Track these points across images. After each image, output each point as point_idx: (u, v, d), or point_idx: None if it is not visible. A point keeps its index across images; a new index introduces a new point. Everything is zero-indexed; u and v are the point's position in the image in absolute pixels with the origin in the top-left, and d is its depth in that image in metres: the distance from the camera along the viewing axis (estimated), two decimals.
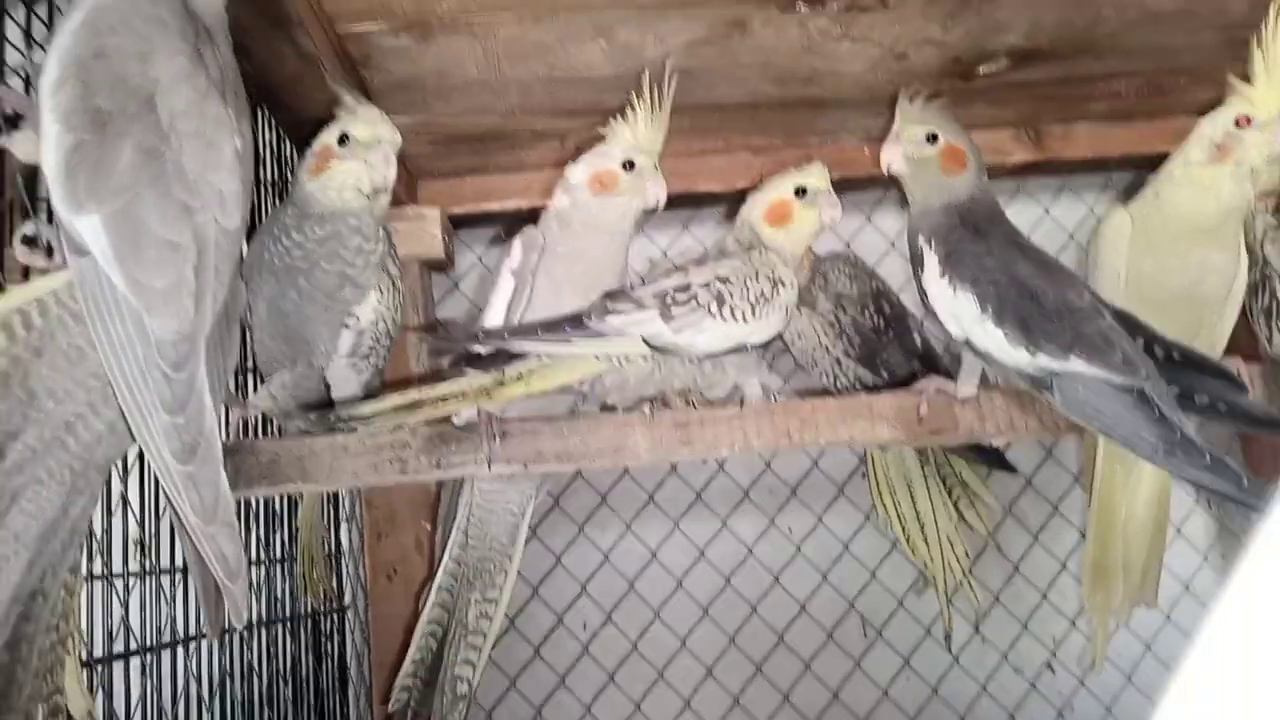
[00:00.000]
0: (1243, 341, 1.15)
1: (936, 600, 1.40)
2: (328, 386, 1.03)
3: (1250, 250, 1.12)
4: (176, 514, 0.68)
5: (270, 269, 0.98)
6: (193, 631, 1.03)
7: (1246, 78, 1.04)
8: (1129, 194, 1.20)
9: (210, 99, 0.71)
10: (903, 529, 1.38)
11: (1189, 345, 1.00)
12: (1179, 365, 0.98)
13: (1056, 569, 1.47)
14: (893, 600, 1.46)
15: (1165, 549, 1.24)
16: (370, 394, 1.04)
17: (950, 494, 1.37)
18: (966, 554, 1.38)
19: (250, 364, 1.13)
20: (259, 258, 0.98)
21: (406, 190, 1.31)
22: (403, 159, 1.27)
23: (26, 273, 0.79)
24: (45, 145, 0.67)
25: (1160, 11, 1.07)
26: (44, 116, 0.67)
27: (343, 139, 0.98)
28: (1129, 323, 1.00)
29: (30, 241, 0.80)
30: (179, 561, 1.03)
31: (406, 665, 1.19)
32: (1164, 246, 1.10)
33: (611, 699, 1.40)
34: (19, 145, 0.73)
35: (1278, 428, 0.98)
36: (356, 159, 0.98)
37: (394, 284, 1.02)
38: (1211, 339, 1.12)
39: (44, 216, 0.83)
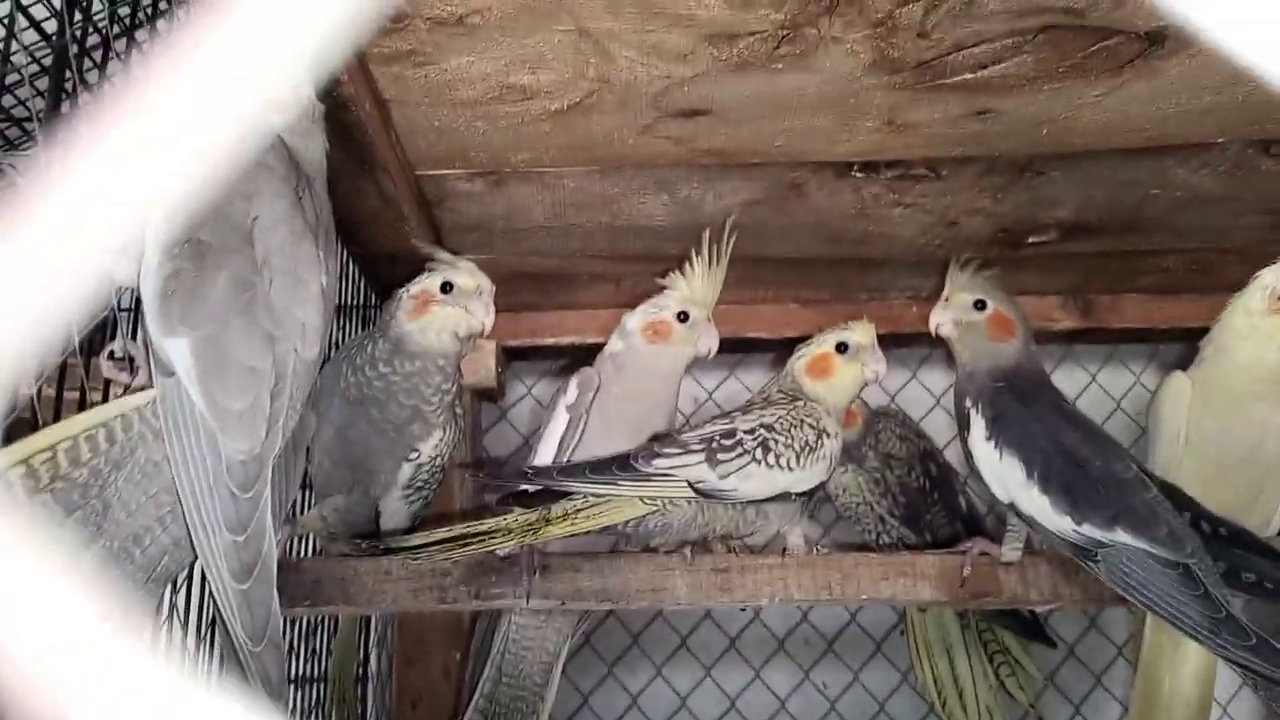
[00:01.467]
0: None
1: None
2: (377, 515, 1.05)
3: None
4: (227, 632, 0.69)
5: (345, 396, 1.02)
6: None
7: None
8: (1177, 366, 1.21)
9: (304, 240, 0.76)
10: (939, 693, 1.34)
11: (1237, 522, 0.99)
12: (1226, 541, 0.97)
13: None
14: None
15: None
16: (416, 524, 1.06)
17: (991, 660, 1.33)
18: None
19: (302, 482, 1.15)
20: (334, 384, 1.03)
21: None
22: None
23: (107, 387, 0.83)
24: (145, 270, 0.71)
25: (1207, 195, 1.10)
26: (147, 243, 0.72)
27: (445, 286, 1.04)
28: (1176, 497, 0.99)
29: (115, 358, 0.84)
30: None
31: None
32: (1225, 405, 1.10)
33: None
34: (120, 266, 0.78)
35: None
36: (458, 306, 1.03)
37: (457, 422, 1.06)
38: (1273, 505, 1.11)
39: (128, 333, 0.88)
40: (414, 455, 1.03)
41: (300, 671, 1.21)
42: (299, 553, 1.17)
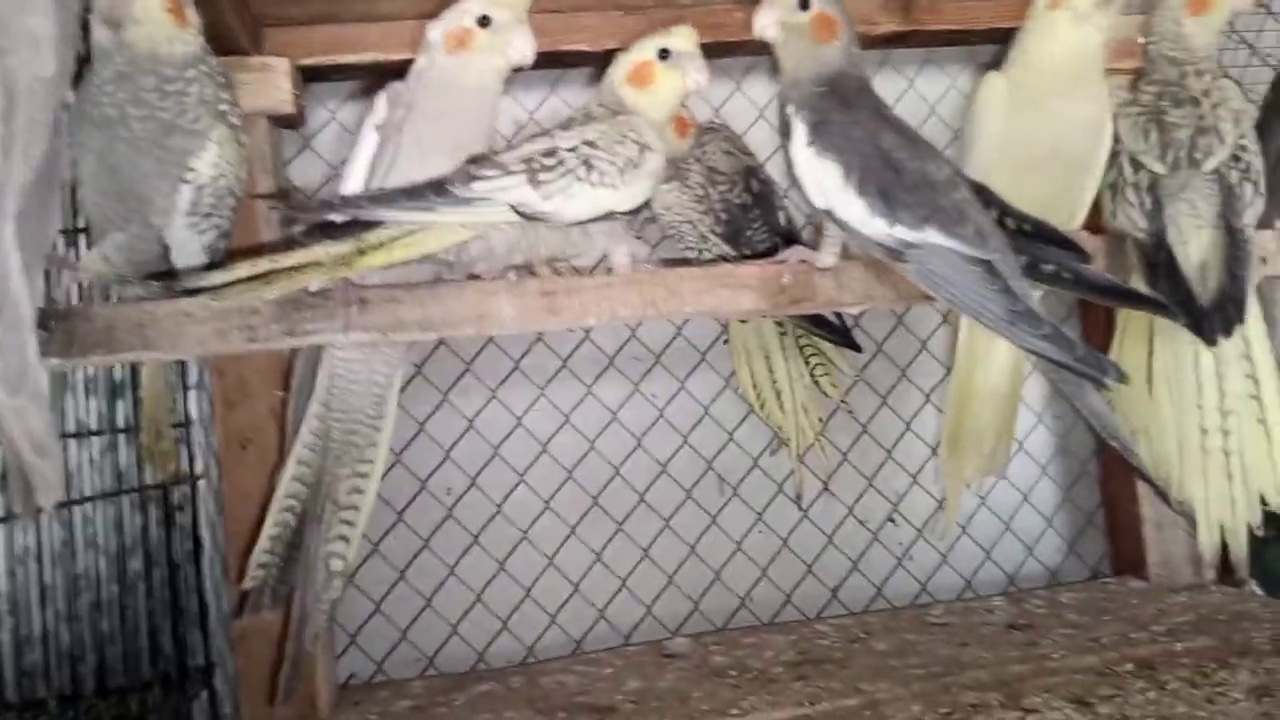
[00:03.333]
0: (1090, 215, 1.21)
1: (789, 461, 1.47)
2: (166, 249, 0.96)
3: None
4: None
5: (93, 118, 0.90)
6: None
7: None
8: (991, 68, 1.22)
9: None
10: (758, 395, 1.42)
11: (1038, 217, 1.05)
12: (1029, 236, 1.03)
13: (901, 429, 1.55)
14: (749, 460, 1.51)
15: (1016, 419, 1.33)
16: (215, 260, 0.98)
17: (807, 362, 1.41)
18: (820, 418, 1.44)
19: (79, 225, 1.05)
20: (82, 105, 0.90)
21: (250, 39, 1.21)
22: (246, 3, 1.17)
23: None
24: None
25: None
26: None
27: None
28: (984, 195, 1.04)
29: None
30: None
31: (262, 542, 1.14)
32: (1028, 103, 1.14)
33: (476, 560, 1.43)
34: None
35: (1114, 295, 1.04)
36: None
37: (235, 137, 0.96)
38: (1076, 201, 1.18)
39: None
40: (191, 175, 0.94)
41: (110, 422, 1.15)
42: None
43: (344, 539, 1.15)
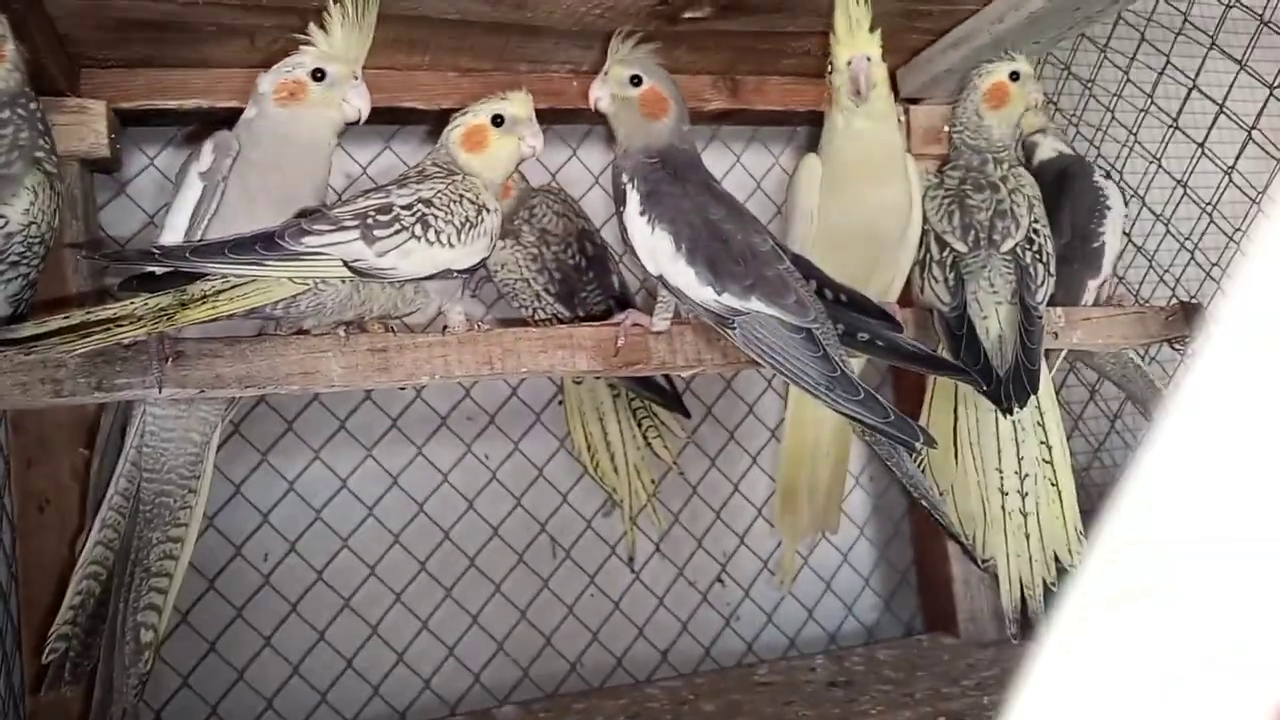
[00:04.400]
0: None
1: (622, 522, 1.48)
2: None
3: None
4: None
5: None
6: None
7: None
8: (810, 148, 1.30)
9: None
10: (592, 456, 1.43)
11: (854, 289, 1.11)
12: (846, 306, 1.09)
13: (730, 491, 1.59)
14: (582, 522, 1.51)
15: (846, 478, 1.39)
16: (19, 310, 0.92)
17: (640, 425, 1.44)
18: (652, 480, 1.46)
19: None
20: None
21: (67, 80, 1.15)
22: (63, 42, 1.12)
23: None
24: None
25: None
26: None
27: None
28: (804, 267, 1.09)
29: None
30: None
31: (64, 613, 1.06)
32: (841, 186, 1.22)
33: (294, 630, 1.36)
34: None
35: (922, 362, 1.11)
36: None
37: (54, 187, 0.91)
38: (890, 276, 1.26)
39: None
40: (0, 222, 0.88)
41: None
42: None
43: (154, 608, 1.07)
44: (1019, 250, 1.21)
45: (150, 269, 0.91)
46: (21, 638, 1.13)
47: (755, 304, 1.00)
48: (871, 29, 1.18)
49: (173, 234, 1.02)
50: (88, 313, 0.86)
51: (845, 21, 1.17)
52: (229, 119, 1.11)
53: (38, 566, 1.13)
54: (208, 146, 1.02)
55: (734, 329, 1.01)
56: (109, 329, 0.86)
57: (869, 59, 1.17)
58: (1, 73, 0.91)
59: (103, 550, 1.07)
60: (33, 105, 0.93)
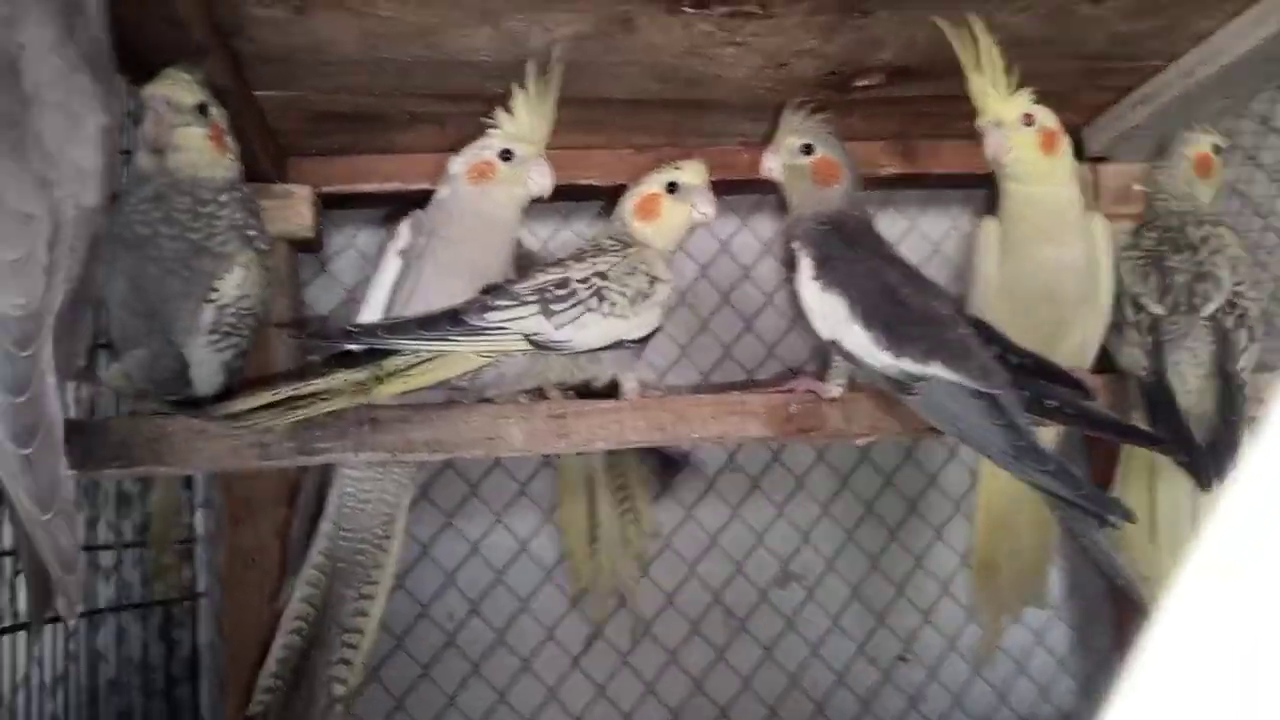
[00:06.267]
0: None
1: (800, 592, 1.44)
2: (185, 366, 0.98)
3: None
4: (9, 501, 0.64)
5: (125, 240, 0.94)
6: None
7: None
8: (990, 209, 1.26)
9: (79, 73, 0.67)
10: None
11: (1040, 354, 1.06)
12: (1031, 371, 1.04)
13: (911, 565, 1.53)
14: (757, 592, 1.49)
15: (1052, 548, 1.30)
16: (233, 377, 1.00)
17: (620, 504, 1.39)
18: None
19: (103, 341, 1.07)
20: (113, 231, 0.94)
21: (275, 167, 1.26)
22: (272, 134, 1.23)
23: None
24: None
25: (1025, 39, 1.12)
26: None
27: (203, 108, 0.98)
28: (987, 332, 1.05)
29: None
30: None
31: (269, 665, 1.12)
32: (1020, 247, 1.17)
33: (475, 690, 1.39)
34: None
35: (1115, 430, 1.05)
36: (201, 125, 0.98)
37: (262, 261, 0.99)
38: (1078, 340, 1.19)
39: None
40: (214, 296, 0.96)
41: (114, 537, 1.15)
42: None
43: (346, 662, 1.13)
44: (1220, 315, 1.13)
45: (350, 346, 0.98)
46: (227, 686, 1.20)
47: (936, 369, 0.97)
48: (1016, 88, 1.13)
49: (373, 308, 1.09)
50: (293, 389, 0.93)
51: (973, 88, 1.13)
52: (420, 200, 1.18)
53: (242, 618, 1.21)
54: (405, 226, 1.09)
55: (913, 395, 0.99)
56: (311, 403, 0.92)
57: (999, 125, 1.13)
58: (226, 163, 1.01)
59: (306, 607, 1.13)
60: (246, 190, 1.03)
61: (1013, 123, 1.12)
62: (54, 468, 0.63)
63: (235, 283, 0.97)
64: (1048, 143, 1.14)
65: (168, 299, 0.95)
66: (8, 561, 0.97)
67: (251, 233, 0.99)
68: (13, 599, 0.96)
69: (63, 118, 0.66)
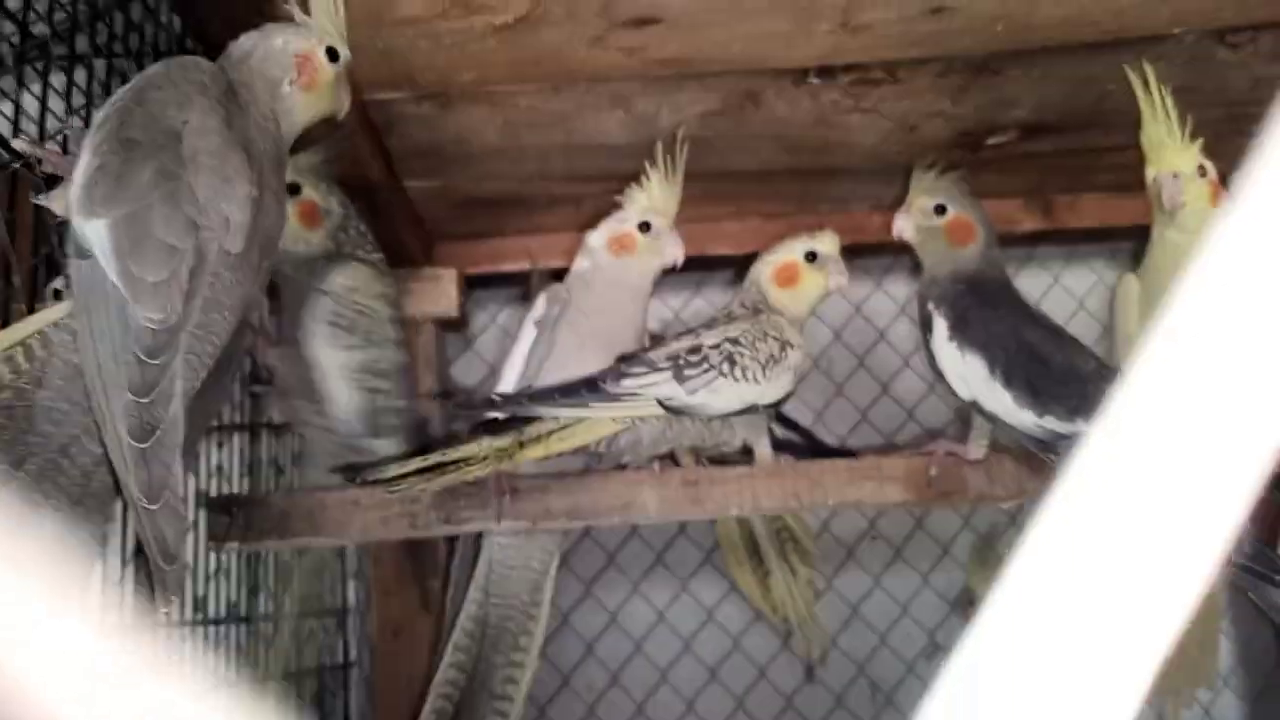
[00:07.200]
0: None
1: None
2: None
3: None
4: (125, 499, 0.68)
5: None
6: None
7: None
8: (1134, 262, 1.22)
9: (235, 150, 0.74)
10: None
11: None
12: None
13: None
14: (902, 664, 1.44)
15: (1219, 625, 1.21)
16: (379, 431, 1.05)
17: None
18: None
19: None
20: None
21: (423, 251, 1.34)
22: (420, 221, 1.30)
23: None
24: (76, 175, 0.70)
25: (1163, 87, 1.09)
26: (82, 154, 0.70)
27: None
28: None
29: (61, 296, 0.82)
30: (189, 614, 1.04)
31: None
32: (1159, 303, 1.11)
33: None
34: (55, 202, 0.75)
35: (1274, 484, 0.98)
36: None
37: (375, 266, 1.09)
38: None
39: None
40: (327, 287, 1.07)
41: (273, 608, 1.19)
42: None
43: None
44: None
45: (494, 414, 1.02)
46: None
47: (1082, 426, 0.94)
48: (1191, 138, 1.10)
49: (510, 374, 1.13)
50: (443, 454, 0.97)
51: (1149, 137, 1.09)
52: (558, 277, 1.23)
53: (391, 689, 1.25)
54: (542, 298, 1.14)
55: (1060, 454, 0.95)
56: (460, 468, 0.96)
57: (1175, 176, 1.09)
58: (311, 238, 1.08)
59: (455, 672, 1.15)
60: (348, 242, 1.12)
61: (1189, 173, 1.09)
62: (168, 466, 0.66)
63: (345, 279, 1.07)
64: (1216, 194, 1.10)
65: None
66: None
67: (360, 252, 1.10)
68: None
69: (216, 179, 0.72)
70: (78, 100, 0.88)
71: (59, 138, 0.82)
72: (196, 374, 0.72)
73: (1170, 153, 1.07)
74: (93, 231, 0.68)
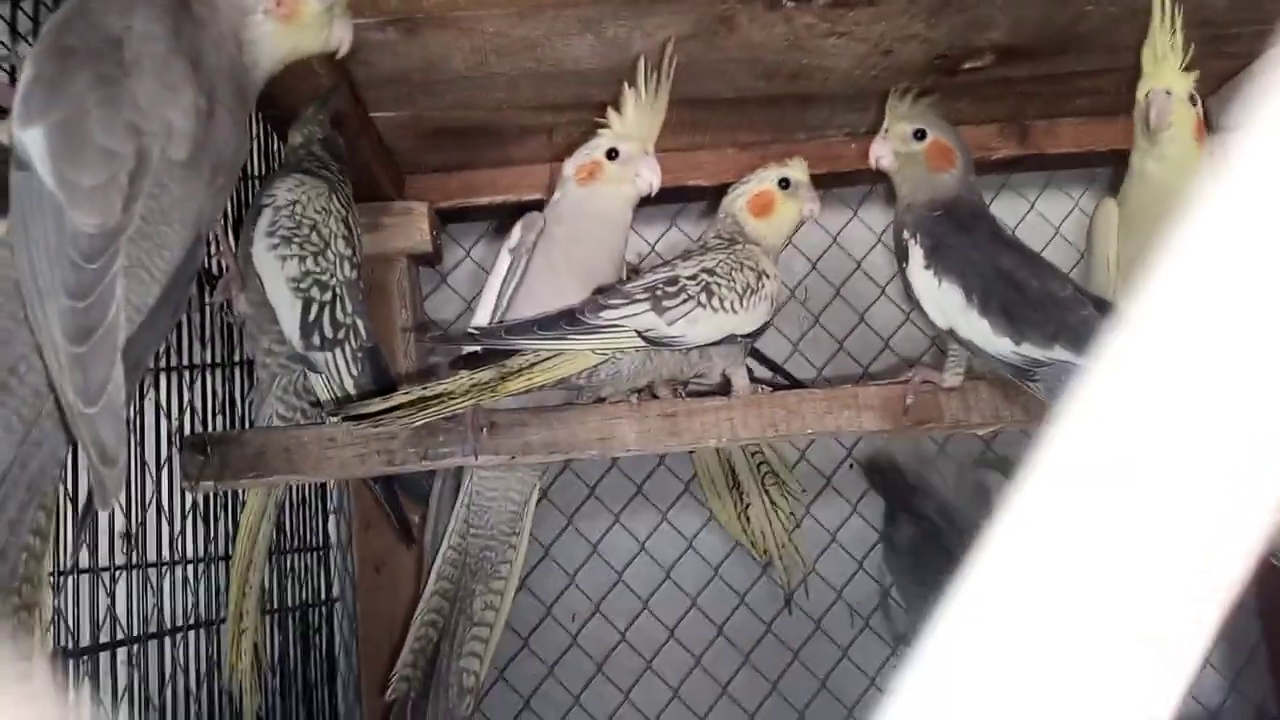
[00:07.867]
0: None
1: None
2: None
3: None
4: (58, 402, 0.67)
5: None
6: (179, 623, 1.04)
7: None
8: (1113, 189, 1.21)
9: (179, 58, 0.72)
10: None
11: None
12: None
13: None
14: (880, 591, 1.47)
15: None
16: (322, 345, 1.05)
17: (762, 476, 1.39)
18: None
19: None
20: None
21: (394, 185, 1.31)
22: (389, 153, 1.28)
23: None
24: (17, 89, 0.68)
25: (1140, 8, 1.08)
26: (23, 69, 0.68)
27: None
28: (1110, 312, 1.01)
29: None
30: (166, 554, 1.04)
31: (405, 655, 1.17)
32: (1141, 227, 1.12)
33: (600, 689, 1.41)
34: (2, 132, 0.73)
35: None
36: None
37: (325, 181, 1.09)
38: None
39: None
40: (268, 199, 1.07)
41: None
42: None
43: (476, 655, 1.17)
44: None
45: (473, 348, 1.01)
46: (362, 688, 1.25)
47: (1059, 352, 0.94)
48: (1188, 68, 1.08)
49: (485, 306, 1.12)
50: (423, 388, 0.96)
51: (1150, 53, 1.08)
52: (534, 209, 1.21)
53: (375, 623, 1.26)
54: (517, 226, 1.12)
55: (1037, 381, 0.96)
56: (442, 402, 0.96)
57: (1169, 93, 1.08)
58: None
59: (439, 600, 1.17)
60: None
61: (1181, 95, 1.07)
62: (107, 369, 0.65)
63: (287, 188, 1.06)
64: (1199, 129, 1.09)
65: None
66: (152, 572, 1.03)
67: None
68: (159, 606, 1.02)
69: (159, 85, 0.70)
70: (24, 26, 0.85)
71: (6, 67, 0.79)
72: (148, 287, 0.70)
73: (1170, 68, 1.06)
74: (30, 139, 0.66)
